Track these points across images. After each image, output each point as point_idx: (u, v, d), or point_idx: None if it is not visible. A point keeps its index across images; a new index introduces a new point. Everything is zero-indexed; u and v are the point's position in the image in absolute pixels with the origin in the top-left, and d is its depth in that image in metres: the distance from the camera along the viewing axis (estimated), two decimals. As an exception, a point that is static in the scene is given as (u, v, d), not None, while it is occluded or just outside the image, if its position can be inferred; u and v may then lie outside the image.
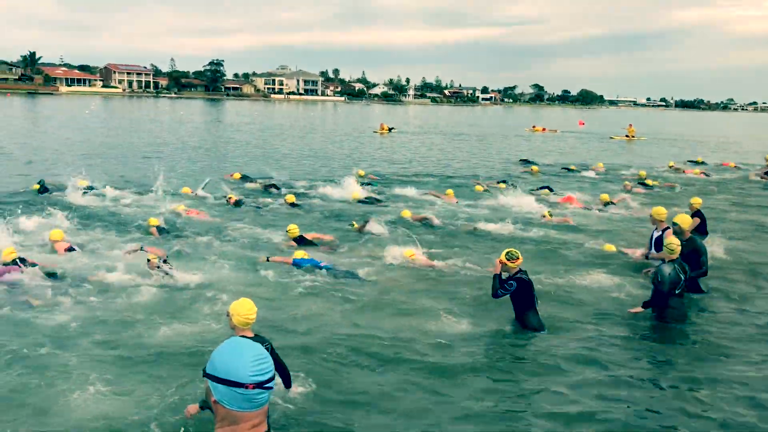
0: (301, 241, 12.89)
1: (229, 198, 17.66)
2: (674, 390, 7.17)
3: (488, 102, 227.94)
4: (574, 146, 46.11)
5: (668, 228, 11.22)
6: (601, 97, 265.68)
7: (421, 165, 30.65)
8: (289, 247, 12.77)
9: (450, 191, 19.92)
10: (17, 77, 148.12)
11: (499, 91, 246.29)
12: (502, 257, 8.64)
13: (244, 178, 22.10)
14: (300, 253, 11.42)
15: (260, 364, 2.27)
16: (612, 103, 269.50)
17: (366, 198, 18.79)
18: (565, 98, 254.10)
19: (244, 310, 5.89)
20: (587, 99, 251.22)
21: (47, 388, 6.68)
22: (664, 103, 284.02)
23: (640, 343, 8.65)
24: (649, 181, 23.78)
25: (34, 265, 10.69)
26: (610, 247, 13.18)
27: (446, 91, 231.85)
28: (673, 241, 9.19)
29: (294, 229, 13.07)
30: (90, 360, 7.39)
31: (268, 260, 11.53)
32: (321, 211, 17.29)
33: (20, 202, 16.05)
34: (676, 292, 8.91)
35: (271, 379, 2.30)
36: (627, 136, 53.68)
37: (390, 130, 53.76)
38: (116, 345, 7.91)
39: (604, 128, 70.78)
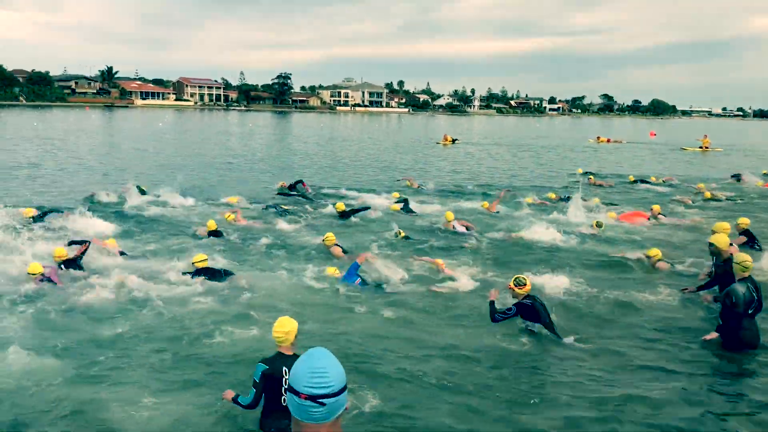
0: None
1: (280, 207, 18.17)
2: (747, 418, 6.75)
3: (555, 112, 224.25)
4: (643, 157, 44.77)
5: (731, 245, 10.68)
6: (674, 107, 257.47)
7: (480, 176, 30.38)
8: (331, 254, 13.04)
9: (485, 203, 19.65)
10: (95, 91, 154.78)
11: (567, 102, 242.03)
12: (511, 283, 8.90)
13: (291, 188, 22.55)
14: (332, 270, 11.41)
15: (318, 377, 2.27)
16: (685, 113, 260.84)
17: (403, 208, 18.82)
18: (635, 108, 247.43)
19: (276, 326, 6.06)
20: (659, 109, 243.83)
21: (102, 396, 6.81)
22: (741, 113, 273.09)
23: (710, 368, 8.09)
24: (707, 194, 22.75)
25: (80, 267, 11.10)
26: (656, 252, 12.75)
27: (512, 102, 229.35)
28: (746, 258, 8.69)
29: (331, 237, 13.33)
30: (144, 369, 7.53)
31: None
32: (367, 219, 17.44)
33: (85, 209, 16.78)
34: (749, 312, 8.43)
35: (327, 396, 2.27)
36: (701, 147, 51.75)
37: (453, 141, 53.53)
38: (170, 354, 8.04)
39: (677, 139, 68.55)
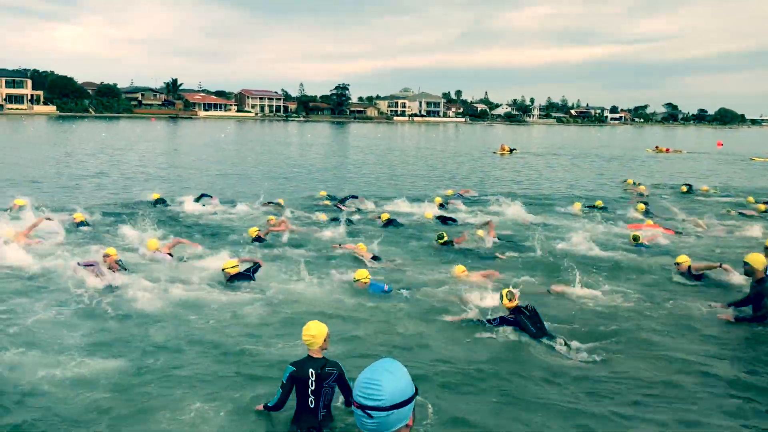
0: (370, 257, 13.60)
1: (321, 216, 18.51)
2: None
3: (617, 122, 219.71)
4: (703, 168, 43.26)
5: None
6: (742, 116, 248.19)
7: (539, 185, 30.02)
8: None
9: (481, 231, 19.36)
10: (161, 103, 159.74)
11: (630, 111, 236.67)
12: (503, 295, 9.41)
13: (329, 197, 22.74)
14: (362, 273, 11.39)
15: (367, 388, 2.30)
16: (755, 122, 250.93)
17: (440, 217, 18.79)
18: (701, 117, 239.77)
19: (304, 330, 6.18)
20: (726, 118, 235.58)
21: (152, 403, 6.87)
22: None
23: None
24: (761, 206, 21.80)
25: (124, 268, 11.49)
26: (684, 259, 12.39)
27: (572, 111, 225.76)
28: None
29: (362, 248, 13.75)
30: (191, 375, 7.58)
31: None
32: (411, 227, 17.53)
33: (135, 213, 17.34)
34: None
35: (375, 408, 2.28)
36: (772, 157, 49.85)
37: (511, 151, 53.00)
38: (217, 360, 8.09)
39: (746, 149, 66.17)
